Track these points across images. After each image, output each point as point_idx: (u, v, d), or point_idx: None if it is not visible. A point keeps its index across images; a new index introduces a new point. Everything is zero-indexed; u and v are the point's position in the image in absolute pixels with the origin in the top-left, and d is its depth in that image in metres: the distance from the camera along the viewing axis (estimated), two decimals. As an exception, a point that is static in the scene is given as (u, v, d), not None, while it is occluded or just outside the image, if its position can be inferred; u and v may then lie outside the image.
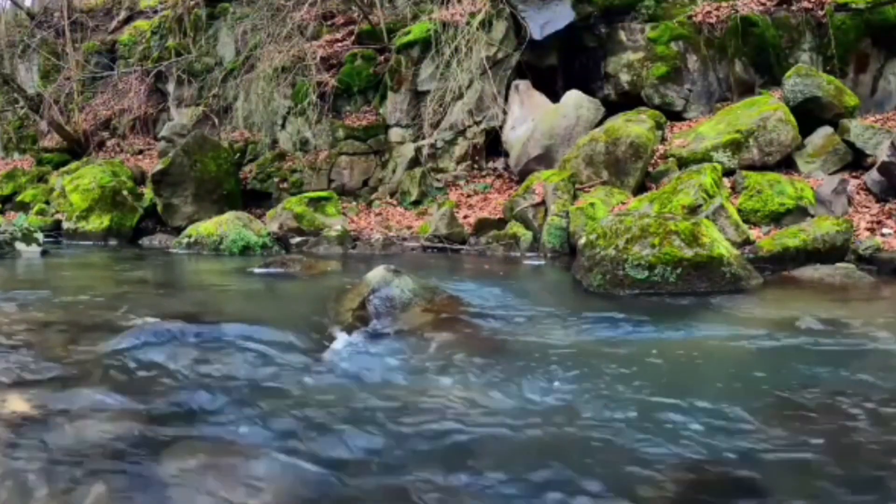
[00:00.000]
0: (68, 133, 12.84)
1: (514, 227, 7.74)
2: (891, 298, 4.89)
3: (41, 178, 12.11)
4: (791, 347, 3.39)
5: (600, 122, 8.64)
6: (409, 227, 8.72)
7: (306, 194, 9.21)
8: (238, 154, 10.94)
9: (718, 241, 5.05)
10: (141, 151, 12.44)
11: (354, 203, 9.79)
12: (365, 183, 10.18)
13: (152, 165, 10.73)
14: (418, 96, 9.91)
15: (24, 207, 11.07)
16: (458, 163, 9.57)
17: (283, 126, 10.88)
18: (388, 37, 10.44)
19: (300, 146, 10.57)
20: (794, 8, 8.73)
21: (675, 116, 8.93)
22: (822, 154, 7.45)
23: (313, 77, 10.20)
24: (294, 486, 2.02)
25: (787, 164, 7.49)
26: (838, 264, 5.58)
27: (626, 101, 9.09)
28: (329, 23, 11.43)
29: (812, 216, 6.57)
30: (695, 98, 9.02)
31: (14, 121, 14.36)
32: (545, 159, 8.73)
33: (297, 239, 8.40)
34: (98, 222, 9.80)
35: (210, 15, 12.76)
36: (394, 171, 10.00)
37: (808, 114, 7.60)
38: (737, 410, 2.53)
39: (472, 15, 9.40)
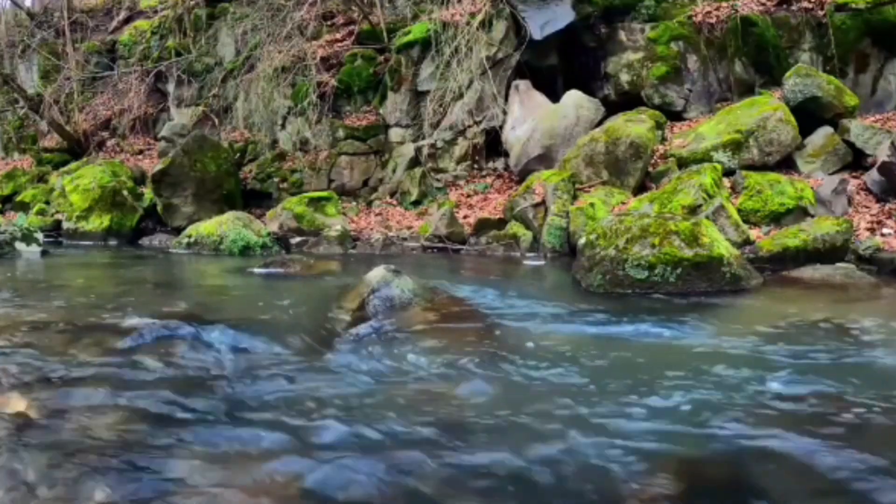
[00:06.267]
0: (68, 133, 12.83)
1: (514, 227, 7.74)
2: (891, 298, 4.89)
3: (41, 178, 12.11)
4: (791, 347, 3.39)
5: (600, 122, 8.64)
6: (409, 227, 8.72)
7: (306, 194, 9.21)
8: (238, 154, 10.94)
9: (718, 241, 5.05)
10: (141, 151, 12.44)
11: (354, 203, 9.78)
12: (365, 183, 10.18)
13: (152, 165, 10.73)
14: (418, 96, 9.91)
15: (24, 207, 11.06)
16: (458, 163, 9.56)
17: (283, 126, 10.88)
18: (388, 37, 10.44)
19: (300, 146, 10.57)
20: (794, 8, 8.73)
21: (675, 116, 8.93)
22: (822, 154, 7.45)
23: (313, 77, 10.20)
24: (293, 485, 2.02)
25: (787, 164, 7.49)
26: (838, 264, 5.58)
27: (626, 101, 9.09)
28: (329, 23, 11.43)
29: (812, 216, 6.57)
30: (695, 98, 9.02)
31: (14, 121, 14.35)
32: (545, 159, 8.72)
33: (297, 239, 8.40)
34: (98, 222, 9.80)
35: (210, 15, 12.75)
36: (394, 171, 10.00)
37: (808, 114, 7.60)
38: (736, 410, 2.53)
39: (472, 15, 9.40)
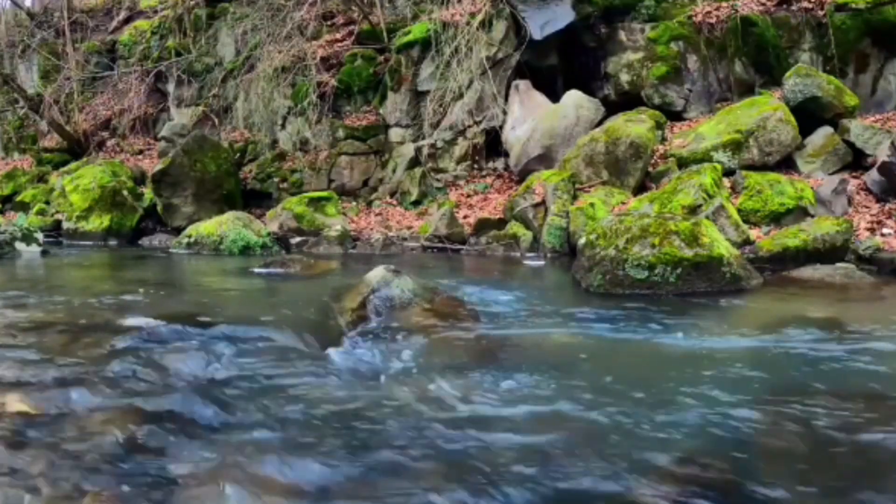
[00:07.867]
0: (68, 133, 12.83)
1: (514, 227, 7.74)
2: (891, 298, 4.89)
3: (41, 178, 12.10)
4: (790, 348, 3.39)
5: (600, 122, 8.63)
6: (409, 227, 8.72)
7: (306, 194, 9.21)
8: (238, 154, 10.94)
9: (718, 241, 5.05)
10: (141, 151, 12.43)
11: (354, 203, 9.78)
12: (365, 183, 10.18)
13: (152, 165, 10.72)
14: (418, 96, 9.91)
15: (24, 207, 11.06)
16: (458, 163, 9.56)
17: (283, 126, 10.88)
18: (388, 37, 10.44)
19: (300, 146, 10.57)
20: (794, 8, 8.73)
21: (675, 116, 8.92)
22: (822, 154, 7.45)
23: (313, 77, 10.20)
24: (292, 486, 2.02)
25: (787, 164, 7.49)
26: (838, 264, 5.58)
27: (626, 101, 9.08)
28: (329, 23, 11.43)
29: (812, 216, 6.57)
30: (695, 98, 9.02)
31: (14, 121, 14.34)
32: (545, 159, 8.72)
33: (297, 239, 8.40)
34: (98, 222, 9.80)
35: (210, 15, 12.75)
36: (394, 171, 10.00)
37: (808, 114, 7.60)
38: (734, 410, 2.53)
39: (472, 15, 9.40)
